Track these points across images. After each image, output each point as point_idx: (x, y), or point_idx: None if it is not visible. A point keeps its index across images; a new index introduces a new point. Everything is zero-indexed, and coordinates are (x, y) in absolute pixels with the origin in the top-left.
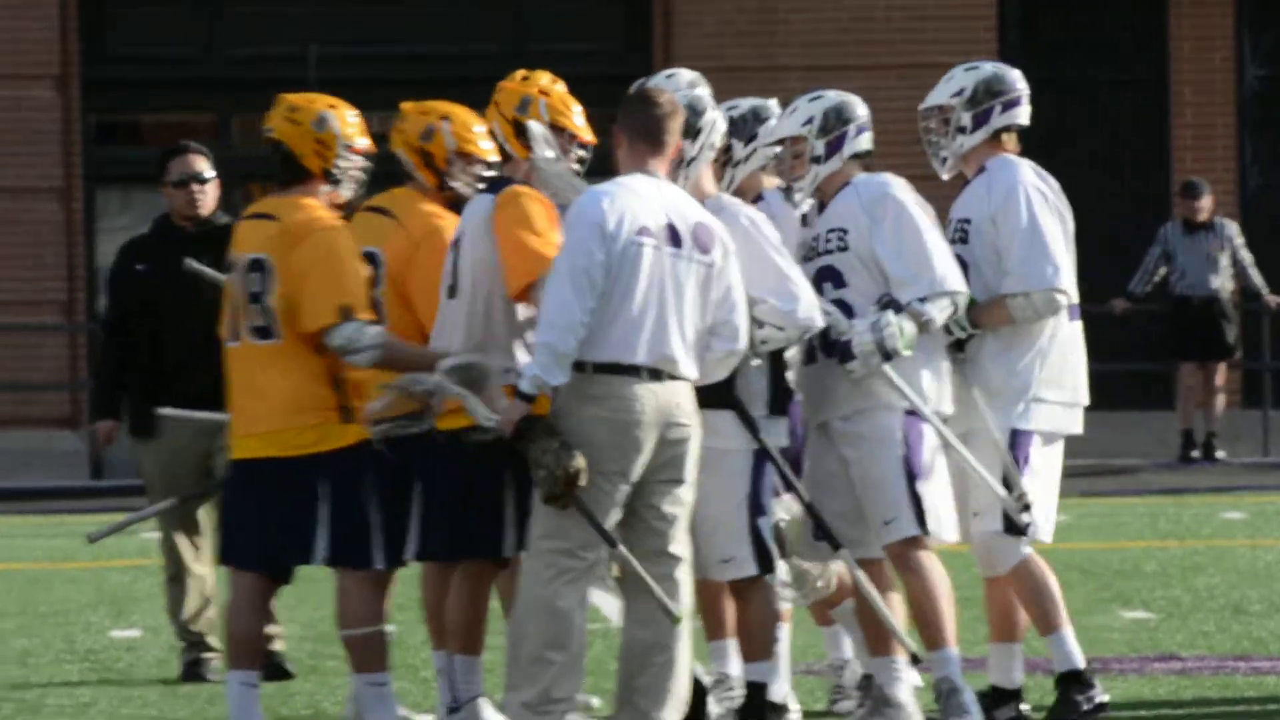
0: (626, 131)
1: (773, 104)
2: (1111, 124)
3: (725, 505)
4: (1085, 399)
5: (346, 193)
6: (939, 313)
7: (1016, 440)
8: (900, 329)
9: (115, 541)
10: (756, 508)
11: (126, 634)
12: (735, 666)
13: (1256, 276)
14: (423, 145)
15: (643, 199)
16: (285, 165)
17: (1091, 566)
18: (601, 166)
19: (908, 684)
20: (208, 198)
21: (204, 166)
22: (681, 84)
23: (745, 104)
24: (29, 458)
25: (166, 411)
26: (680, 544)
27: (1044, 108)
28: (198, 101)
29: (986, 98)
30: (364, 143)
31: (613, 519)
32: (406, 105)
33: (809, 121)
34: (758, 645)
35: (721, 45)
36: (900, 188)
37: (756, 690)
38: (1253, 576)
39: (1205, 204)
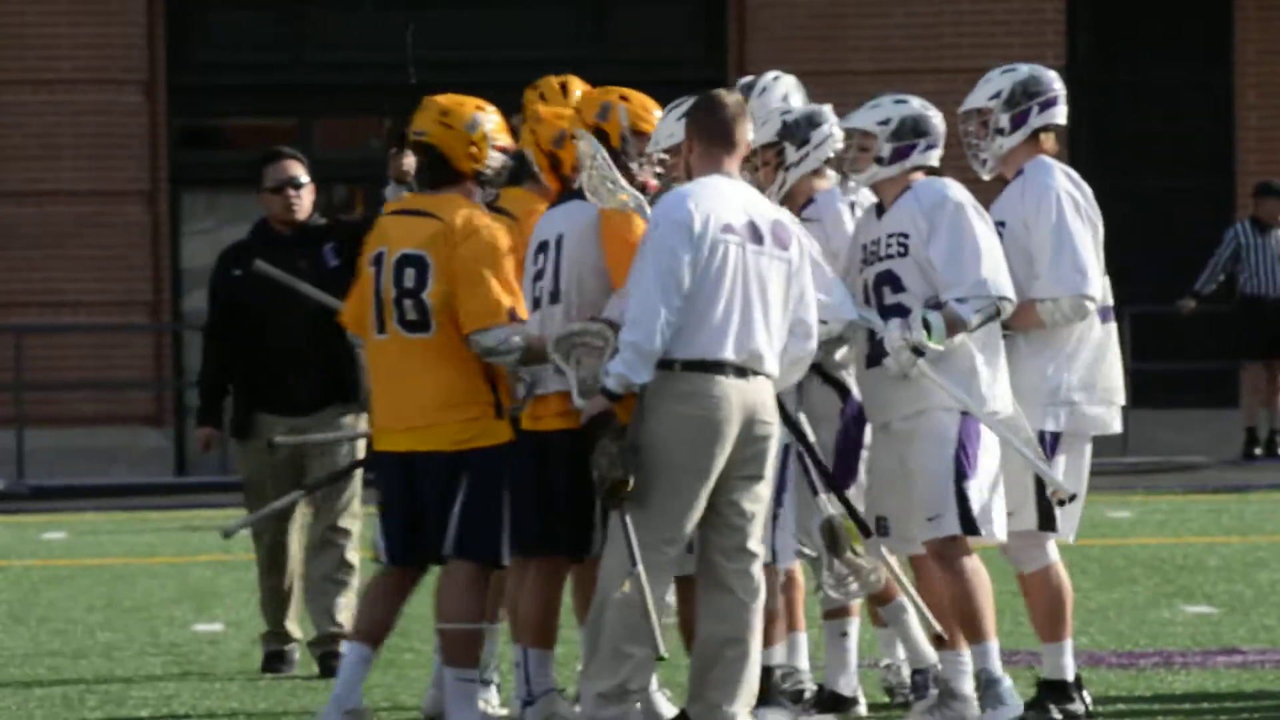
0: (698, 135)
1: (827, 109)
2: (1177, 126)
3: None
4: (1121, 399)
5: (492, 194)
6: (975, 314)
7: (1044, 442)
8: (929, 324)
9: (198, 537)
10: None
11: (209, 628)
12: (804, 659)
13: None
14: (554, 150)
15: (724, 198)
16: (437, 167)
17: (1155, 562)
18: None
19: (971, 677)
20: (304, 202)
21: (299, 171)
22: (780, 91)
23: (799, 108)
24: (115, 454)
25: (280, 440)
26: (757, 541)
27: (1111, 111)
28: (281, 106)
29: (1024, 99)
30: (506, 141)
31: (695, 516)
32: (544, 109)
33: (886, 122)
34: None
35: (792, 50)
36: (959, 190)
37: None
38: None
39: None
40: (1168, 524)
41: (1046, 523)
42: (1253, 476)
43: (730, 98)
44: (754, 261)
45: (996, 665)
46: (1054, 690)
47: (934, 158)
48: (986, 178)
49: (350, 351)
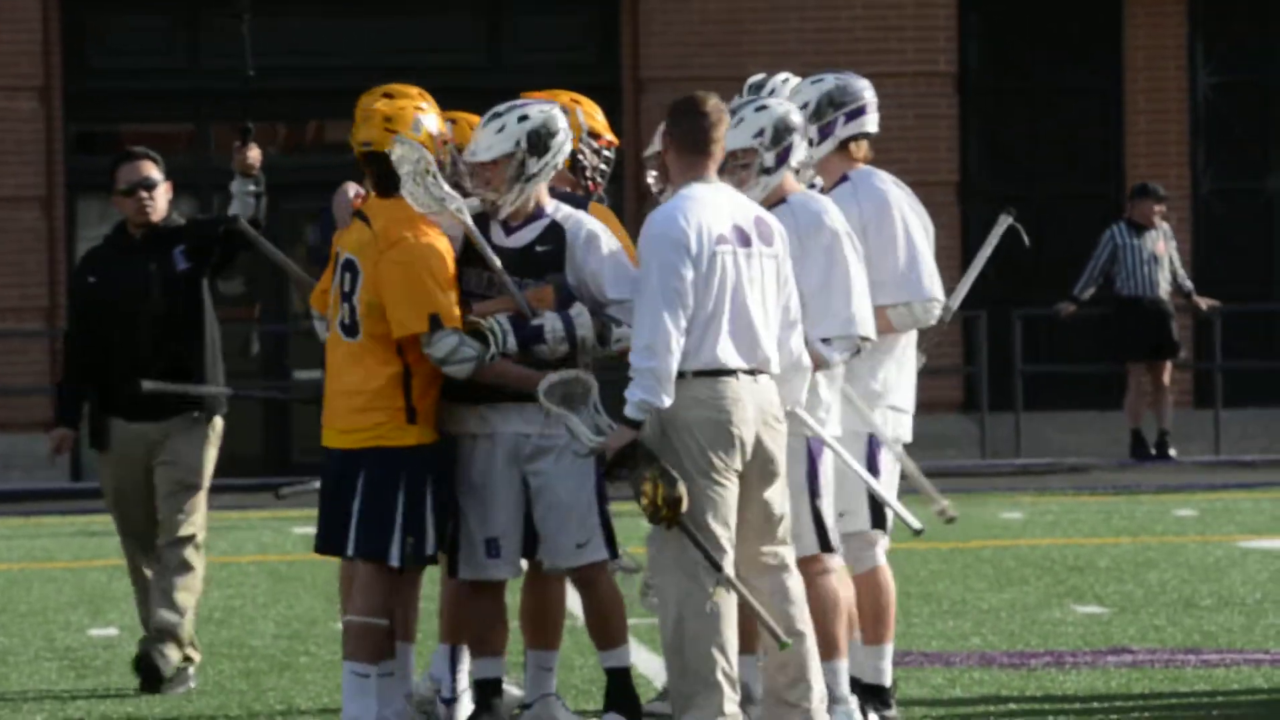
0: (676, 140)
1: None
2: (1067, 131)
3: (578, 492)
4: (913, 406)
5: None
6: (839, 355)
7: (873, 446)
8: None
9: (94, 542)
10: (604, 493)
11: (104, 633)
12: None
13: (1186, 278)
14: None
15: (709, 207)
16: (387, 175)
17: (1046, 562)
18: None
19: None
20: (157, 203)
21: (152, 172)
22: (788, 92)
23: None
24: (10, 460)
25: (150, 385)
26: (788, 537)
27: (1001, 116)
28: (177, 112)
29: (830, 109)
30: (448, 134)
31: (733, 517)
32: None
33: (804, 106)
34: (614, 631)
35: (689, 55)
36: (835, 215)
37: (622, 676)
38: (1203, 572)
39: (1159, 207)
40: (1058, 525)
41: (878, 522)
42: (1142, 478)
43: (708, 101)
44: (746, 265)
45: (843, 684)
46: (873, 696)
47: (867, 124)
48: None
49: (202, 356)
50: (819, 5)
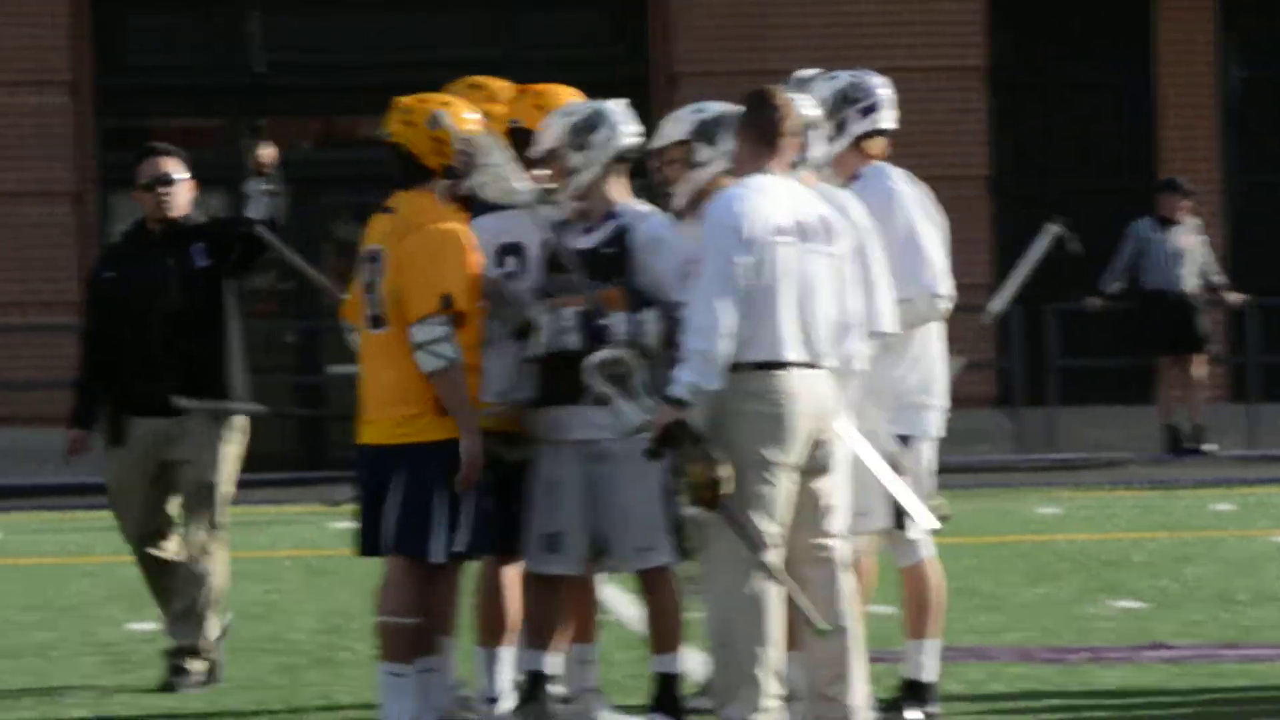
0: (745, 133)
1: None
2: (1098, 126)
3: (642, 495)
4: (948, 401)
5: (470, 185)
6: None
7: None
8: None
9: None
10: (671, 496)
11: (143, 627)
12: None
13: (1217, 273)
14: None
15: (772, 198)
16: (406, 166)
17: (1082, 558)
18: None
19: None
20: (177, 199)
21: (173, 168)
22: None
23: (715, 108)
24: (46, 455)
25: (185, 403)
26: (839, 531)
27: (1031, 111)
28: (209, 107)
29: (843, 106)
30: (476, 130)
31: (784, 512)
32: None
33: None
34: (669, 637)
35: (715, 50)
36: (907, 193)
37: (670, 682)
38: (1240, 566)
39: (1187, 201)
40: (1094, 520)
41: (900, 520)
42: (1178, 472)
43: (779, 97)
44: (806, 260)
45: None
46: (916, 693)
47: (881, 120)
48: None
49: (221, 353)
50: None
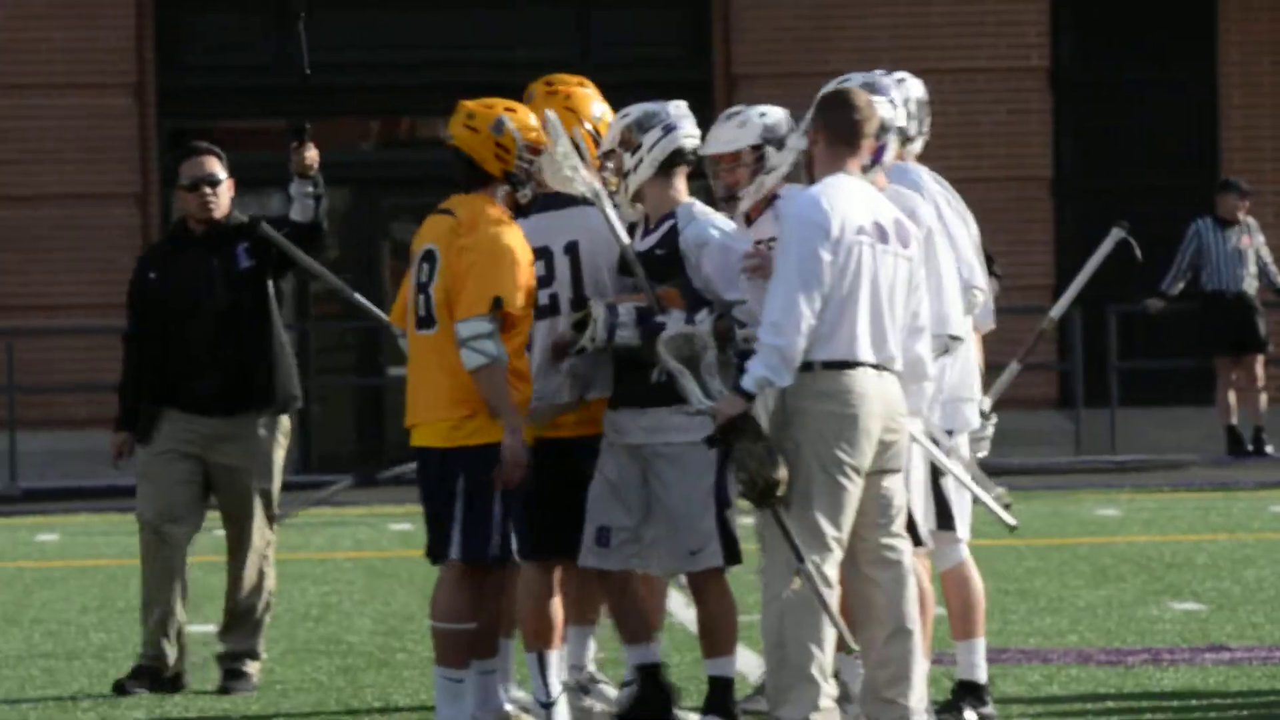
0: (826, 132)
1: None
2: (1161, 126)
3: (692, 498)
4: (979, 394)
5: (528, 193)
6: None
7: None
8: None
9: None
10: (722, 499)
11: (202, 629)
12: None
13: (1277, 274)
14: (497, 139)
15: (853, 198)
16: (466, 170)
17: (1143, 559)
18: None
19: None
20: (221, 200)
21: (216, 168)
22: (902, 95)
23: (778, 111)
24: (107, 456)
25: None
26: (903, 532)
27: (1094, 111)
28: (270, 108)
29: (880, 133)
30: (538, 138)
31: (853, 512)
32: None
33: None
34: (721, 640)
35: (777, 52)
36: (926, 211)
37: (723, 685)
38: None
39: (1245, 201)
40: (1155, 522)
41: (945, 522)
42: (1239, 474)
43: (861, 98)
44: (882, 261)
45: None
46: (969, 693)
47: (907, 149)
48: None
49: (268, 354)
50: (911, 0)
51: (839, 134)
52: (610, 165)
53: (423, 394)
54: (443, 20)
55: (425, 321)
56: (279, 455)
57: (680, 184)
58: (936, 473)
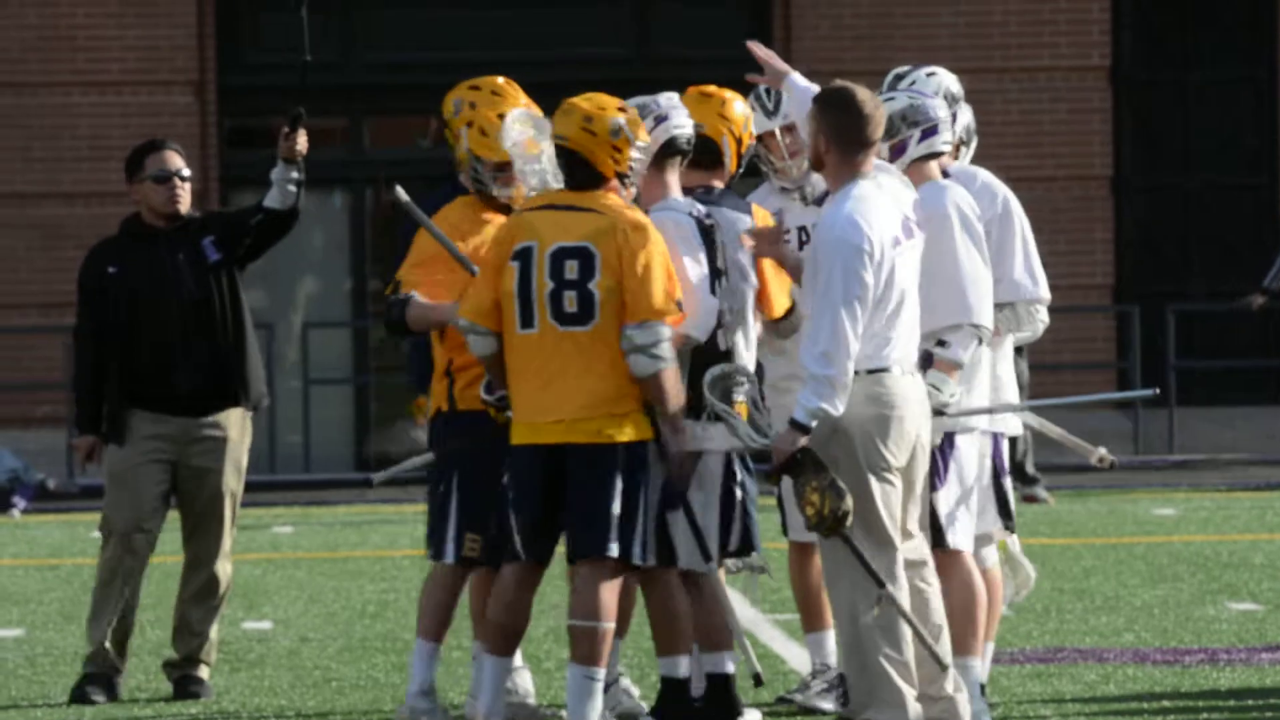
0: (834, 135)
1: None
2: (1221, 124)
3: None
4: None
5: (510, 193)
6: (963, 351)
7: (997, 442)
8: (935, 385)
9: (246, 535)
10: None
11: (258, 626)
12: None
13: None
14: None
15: (880, 207)
16: (580, 170)
17: (1200, 559)
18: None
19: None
20: (188, 194)
21: (182, 163)
22: (934, 86)
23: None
24: None
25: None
26: (922, 534)
27: (1155, 109)
28: (331, 106)
29: (904, 128)
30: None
31: (898, 513)
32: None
33: None
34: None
35: (839, 49)
36: (958, 200)
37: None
38: None
39: None
40: (1212, 521)
41: (1008, 520)
42: None
43: (864, 93)
44: (907, 260)
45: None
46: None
47: (939, 144)
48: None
49: (242, 349)
50: None
51: (848, 137)
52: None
53: (562, 391)
54: (499, 18)
55: (576, 318)
56: (245, 456)
57: (673, 176)
58: (997, 475)
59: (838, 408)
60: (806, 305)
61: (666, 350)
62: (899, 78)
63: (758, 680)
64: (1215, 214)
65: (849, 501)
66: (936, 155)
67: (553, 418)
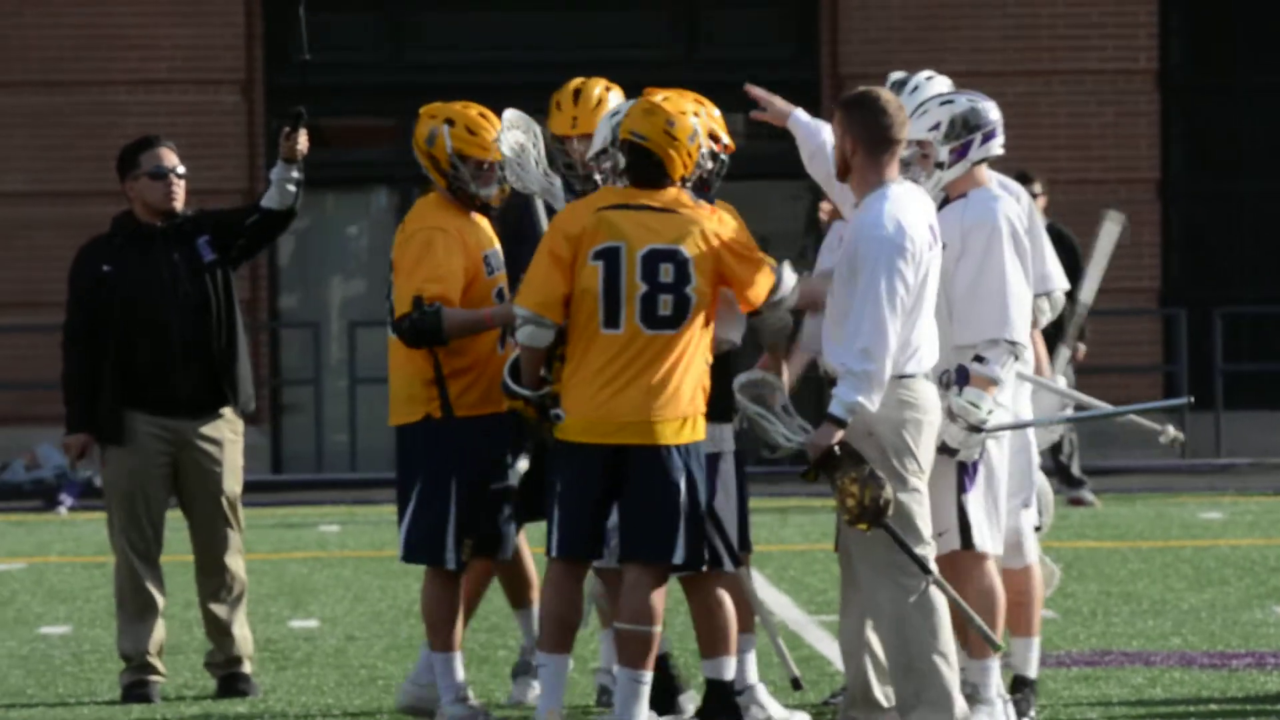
0: (862, 138)
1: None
2: (1270, 128)
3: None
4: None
5: (492, 192)
6: (1000, 367)
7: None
8: (973, 402)
9: (294, 534)
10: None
11: (305, 624)
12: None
13: None
14: (429, 150)
15: (914, 208)
16: (651, 170)
17: (1247, 563)
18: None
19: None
20: (183, 191)
21: (177, 160)
22: (933, 91)
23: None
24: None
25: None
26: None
27: (1203, 113)
28: (379, 106)
29: (964, 131)
30: (706, 142)
31: (929, 516)
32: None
33: (935, 127)
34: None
35: (887, 52)
36: (1007, 216)
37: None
38: None
39: None
40: (1259, 525)
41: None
42: None
43: (890, 98)
44: (935, 266)
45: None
46: (1022, 685)
47: (995, 147)
48: None
49: (235, 350)
50: (1019, 1)
51: (877, 140)
52: (607, 165)
53: (639, 392)
54: (546, 19)
55: (668, 322)
56: (241, 457)
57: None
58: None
59: (874, 403)
60: (837, 304)
61: (791, 288)
62: (899, 85)
63: (796, 684)
64: (1263, 217)
65: (889, 490)
66: (990, 159)
67: (624, 419)
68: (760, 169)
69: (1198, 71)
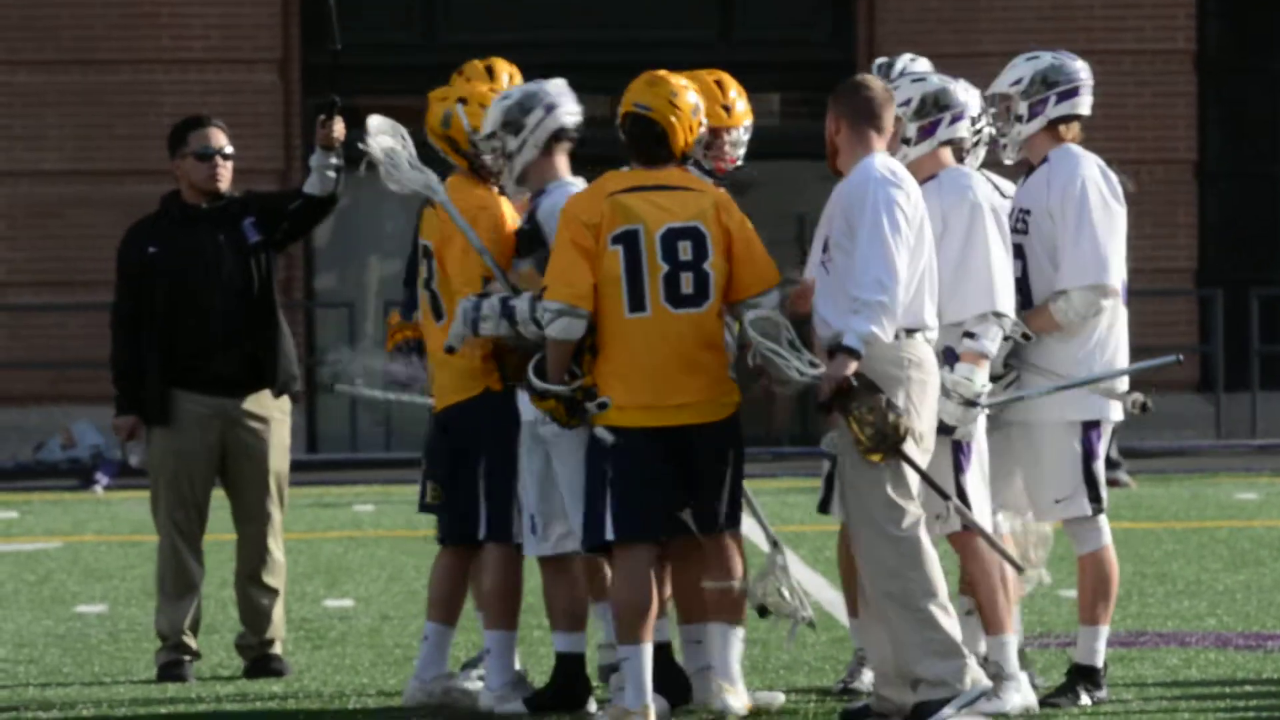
0: (847, 117)
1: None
2: None
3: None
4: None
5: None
6: (990, 342)
7: (1088, 431)
8: (966, 377)
9: (329, 513)
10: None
11: (340, 604)
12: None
13: None
14: (445, 133)
15: (900, 167)
16: (655, 144)
17: None
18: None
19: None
20: (229, 173)
21: (226, 141)
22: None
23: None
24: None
25: (341, 387)
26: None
27: (1242, 94)
28: (414, 85)
29: (1042, 88)
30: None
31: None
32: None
33: (1018, 81)
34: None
35: (924, 32)
36: (983, 192)
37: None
38: None
39: None
40: None
41: (1097, 505)
42: None
43: (877, 83)
44: (926, 224)
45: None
46: (1083, 675)
47: (1070, 106)
48: (1009, 162)
49: (277, 330)
50: None
51: (862, 118)
52: (496, 147)
53: (681, 373)
54: (588, 1)
55: (692, 300)
56: (288, 435)
57: (562, 161)
58: (1088, 457)
59: (888, 333)
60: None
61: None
62: (886, 66)
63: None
64: None
65: (907, 418)
66: (1077, 118)
67: (677, 400)
68: (796, 149)
69: (1235, 53)
